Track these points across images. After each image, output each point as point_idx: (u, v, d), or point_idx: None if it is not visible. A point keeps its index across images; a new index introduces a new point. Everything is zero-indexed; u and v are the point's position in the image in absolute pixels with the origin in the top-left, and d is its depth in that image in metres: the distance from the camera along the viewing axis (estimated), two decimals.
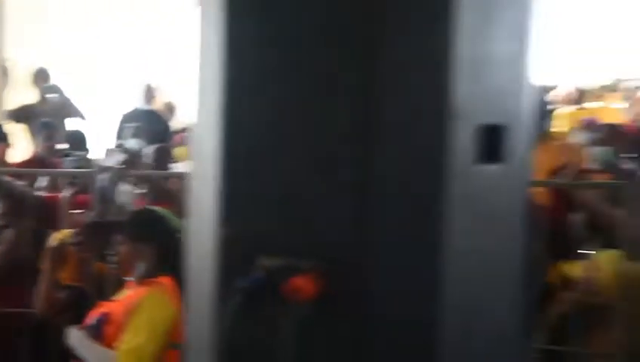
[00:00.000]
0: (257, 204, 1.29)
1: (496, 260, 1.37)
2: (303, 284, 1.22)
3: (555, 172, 5.15)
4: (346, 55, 1.22)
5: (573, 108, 12.52)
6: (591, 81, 14.74)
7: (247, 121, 1.30)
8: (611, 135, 6.64)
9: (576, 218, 4.36)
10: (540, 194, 5.16)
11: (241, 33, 1.29)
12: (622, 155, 7.08)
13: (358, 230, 1.24)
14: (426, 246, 1.24)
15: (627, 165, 7.02)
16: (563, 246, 4.11)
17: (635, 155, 7.77)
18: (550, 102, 14.72)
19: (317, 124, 1.25)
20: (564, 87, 14.60)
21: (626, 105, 13.51)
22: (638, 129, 9.77)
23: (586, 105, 12.60)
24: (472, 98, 1.23)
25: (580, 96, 12.73)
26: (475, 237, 1.31)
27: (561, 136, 7.16)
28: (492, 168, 1.32)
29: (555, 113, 13.05)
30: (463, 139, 1.24)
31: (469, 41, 1.19)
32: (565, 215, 4.50)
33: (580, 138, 8.20)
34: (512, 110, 1.35)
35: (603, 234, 4.25)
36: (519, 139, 1.38)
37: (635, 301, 3.68)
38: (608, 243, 4.09)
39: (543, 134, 5.86)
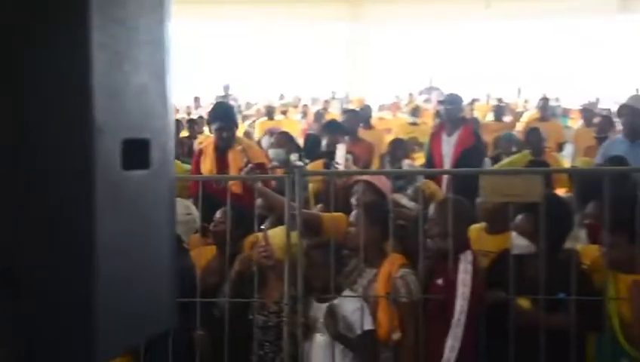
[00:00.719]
0: None
1: (146, 247, 1.34)
2: None
3: (241, 168, 5.23)
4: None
5: (264, 119, 12.86)
6: (276, 99, 15.26)
7: None
8: (284, 139, 6.83)
9: (258, 202, 4.44)
10: (235, 186, 5.23)
11: None
12: (292, 154, 7.32)
13: (18, 231, 1.15)
14: (78, 242, 1.18)
15: (295, 162, 7.26)
16: (250, 223, 4.17)
17: (302, 153, 8.04)
18: (246, 116, 14.99)
19: None
20: (259, 104, 14.97)
21: (301, 118, 14.14)
22: (307, 135, 10.18)
23: (275, 118, 12.98)
24: (114, 117, 1.19)
25: (269, 111, 13.09)
26: (126, 229, 1.27)
27: (247, 140, 7.28)
28: (139, 174, 1.28)
29: (253, 124, 13.36)
30: (110, 151, 1.19)
31: (105, 73, 1.14)
32: (251, 200, 4.57)
33: (265, 142, 8.41)
34: (155, 126, 1.32)
35: (275, 214, 4.36)
36: (164, 149, 1.35)
37: (293, 260, 3.80)
38: (279, 221, 4.19)
39: (234, 140, 5.93)
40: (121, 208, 1.24)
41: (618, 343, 3.61)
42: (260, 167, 5.49)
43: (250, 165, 4.81)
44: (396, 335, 3.77)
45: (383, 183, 4.39)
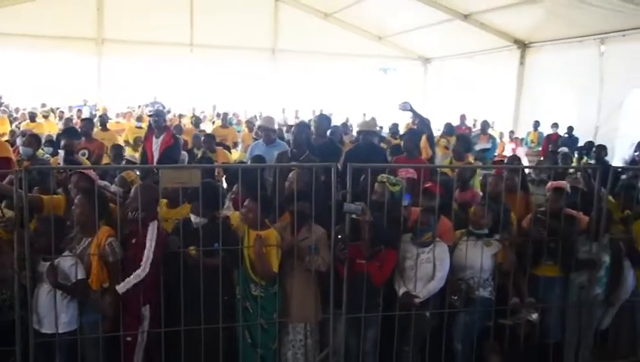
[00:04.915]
0: None
1: None
2: None
3: None
4: None
5: (27, 122, 11.04)
6: (39, 106, 13.18)
7: None
8: (32, 140, 5.88)
9: None
10: None
11: None
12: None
13: None
14: None
15: (44, 156, 6.33)
16: None
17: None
18: (15, 118, 12.68)
19: None
20: (25, 110, 12.70)
21: (58, 121, 12.40)
22: (57, 135, 8.88)
23: (37, 121, 11.19)
24: None
25: (32, 115, 11.28)
26: None
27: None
28: None
29: (19, 125, 11.33)
30: None
31: None
32: None
33: (19, 141, 7.24)
34: None
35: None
36: None
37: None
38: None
39: None
40: None
41: (249, 275, 3.74)
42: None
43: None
44: (105, 284, 3.50)
45: (92, 174, 4.01)
